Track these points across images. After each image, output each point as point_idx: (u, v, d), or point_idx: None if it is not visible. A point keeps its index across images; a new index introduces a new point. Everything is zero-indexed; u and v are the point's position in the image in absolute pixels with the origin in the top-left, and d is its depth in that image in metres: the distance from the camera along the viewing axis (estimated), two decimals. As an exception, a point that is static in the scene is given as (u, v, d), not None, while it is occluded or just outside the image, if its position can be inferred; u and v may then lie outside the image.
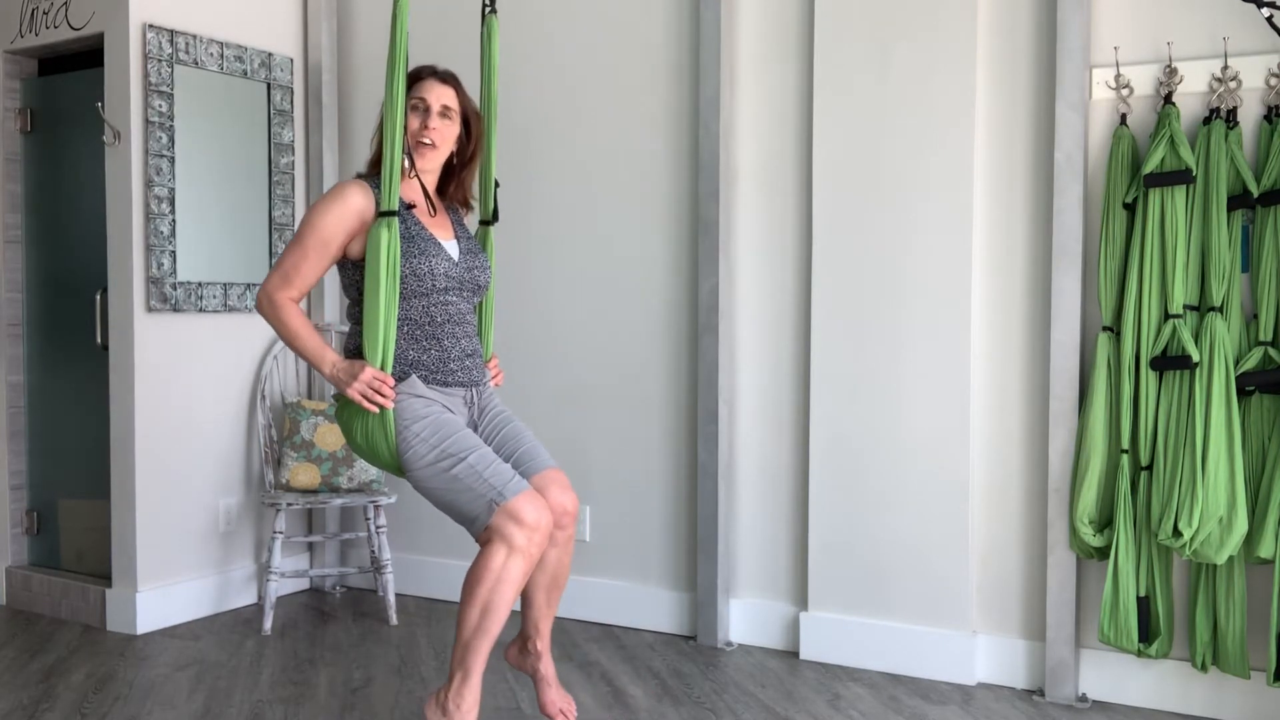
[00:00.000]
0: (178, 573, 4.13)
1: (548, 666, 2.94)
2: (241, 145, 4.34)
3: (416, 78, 2.83)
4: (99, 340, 4.15)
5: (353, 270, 2.78)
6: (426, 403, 2.73)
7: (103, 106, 3.99)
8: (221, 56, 4.23)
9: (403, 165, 2.70)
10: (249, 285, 4.33)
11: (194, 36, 4.11)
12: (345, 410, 2.77)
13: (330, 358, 2.73)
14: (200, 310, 4.16)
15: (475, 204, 3.02)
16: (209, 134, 4.21)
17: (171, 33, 4.03)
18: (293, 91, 4.51)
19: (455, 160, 2.92)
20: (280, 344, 4.40)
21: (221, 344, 4.26)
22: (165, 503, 4.07)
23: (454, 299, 2.81)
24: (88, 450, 4.23)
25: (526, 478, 2.74)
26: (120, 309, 3.99)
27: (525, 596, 2.88)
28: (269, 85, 4.42)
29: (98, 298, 4.15)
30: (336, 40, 4.63)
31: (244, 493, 4.37)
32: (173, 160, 4.05)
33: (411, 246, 2.73)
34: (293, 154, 4.51)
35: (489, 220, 3.04)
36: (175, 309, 4.07)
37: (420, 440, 2.68)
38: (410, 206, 2.77)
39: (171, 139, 4.04)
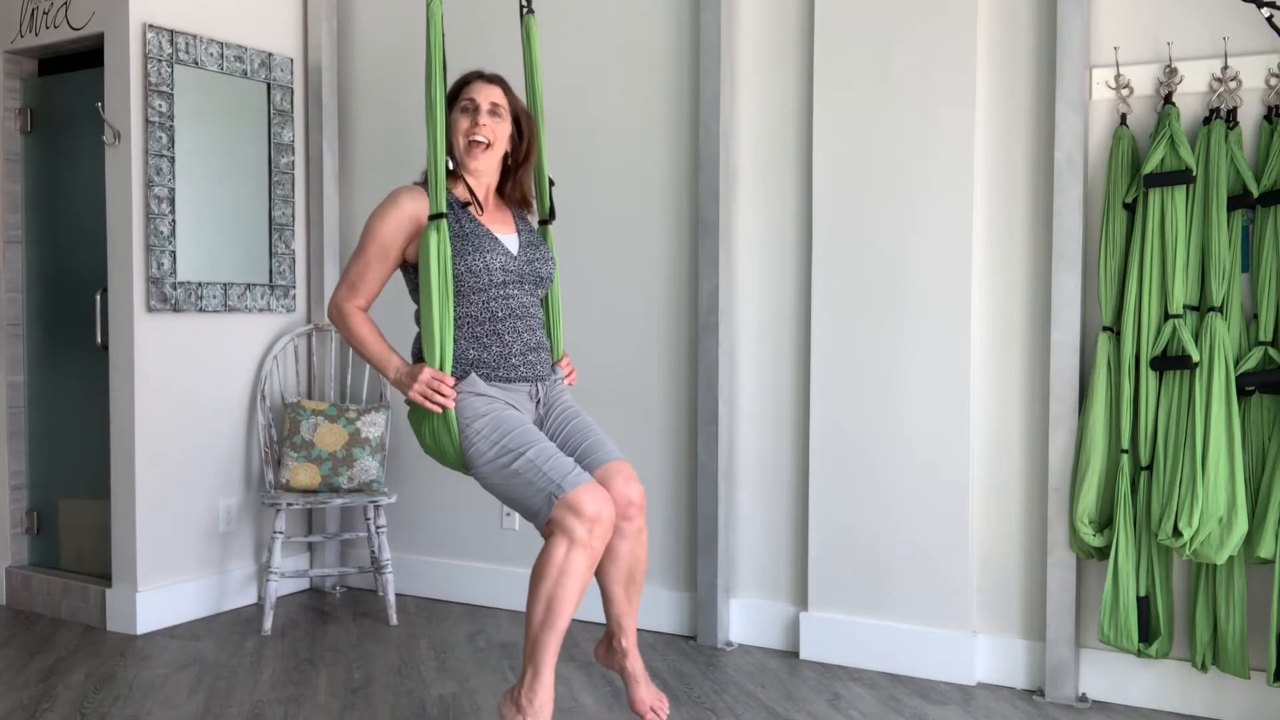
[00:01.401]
0: (178, 573, 4.13)
1: (635, 664, 2.91)
2: (241, 145, 4.34)
3: (464, 82, 2.88)
4: (99, 340, 4.15)
5: (413, 274, 2.83)
6: (488, 400, 2.74)
7: (103, 106, 3.99)
8: (221, 56, 4.23)
9: (447, 166, 2.74)
10: (249, 285, 4.33)
11: (194, 36, 4.11)
12: (414, 414, 2.80)
13: (395, 363, 2.78)
14: (200, 310, 4.16)
15: (534, 202, 3.04)
16: (209, 134, 4.21)
17: (171, 33, 4.03)
18: (293, 91, 4.51)
19: (510, 160, 2.94)
20: (280, 344, 4.41)
21: (221, 344, 4.26)
22: (165, 503, 4.07)
23: (515, 292, 2.83)
24: (88, 450, 4.23)
25: (591, 470, 2.74)
26: (120, 309, 3.99)
27: (605, 594, 2.87)
28: (269, 85, 4.42)
29: (98, 297, 4.15)
30: (336, 40, 4.63)
31: (244, 493, 4.37)
32: (173, 160, 4.05)
33: (465, 244, 2.75)
34: (293, 154, 4.51)
35: (546, 219, 3.05)
36: (175, 309, 4.07)
37: (481, 438, 2.70)
38: (465, 205, 2.80)
39: (171, 139, 4.04)
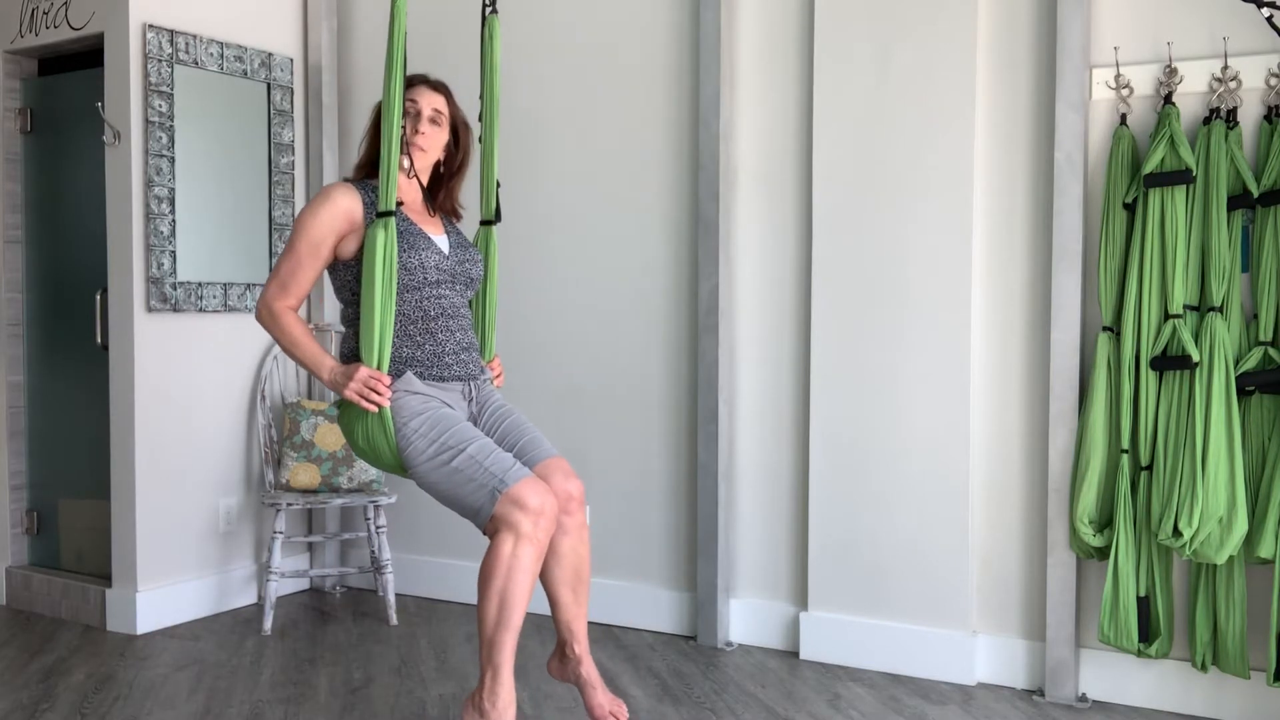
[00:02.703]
0: (178, 573, 4.13)
1: (590, 670, 2.87)
2: (241, 145, 4.34)
3: (409, 84, 2.86)
4: (99, 340, 4.15)
5: (344, 272, 2.80)
6: (424, 399, 2.73)
7: (103, 106, 3.99)
8: (221, 56, 4.23)
9: (401, 164, 2.73)
10: (249, 285, 4.33)
11: (194, 36, 4.11)
12: (346, 414, 2.78)
13: (328, 363, 2.74)
14: (200, 310, 4.16)
15: (464, 212, 3.04)
16: (209, 134, 4.21)
17: (171, 33, 4.03)
18: (293, 91, 4.51)
19: (444, 170, 2.95)
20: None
21: (221, 344, 4.26)
22: (165, 503, 4.07)
23: (446, 292, 2.82)
24: (88, 450, 4.23)
25: (529, 467, 2.74)
26: (120, 309, 3.99)
27: (552, 598, 2.85)
28: (269, 85, 4.42)
29: (98, 298, 4.15)
30: (336, 40, 4.63)
31: (244, 493, 4.37)
32: (173, 160, 4.05)
33: (402, 241, 2.74)
34: (293, 154, 4.52)
35: (491, 220, 3.04)
36: (175, 309, 4.07)
37: (419, 436, 2.68)
38: (400, 204, 2.78)
39: (171, 139, 4.04)
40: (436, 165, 2.93)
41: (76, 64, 4.28)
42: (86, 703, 3.27)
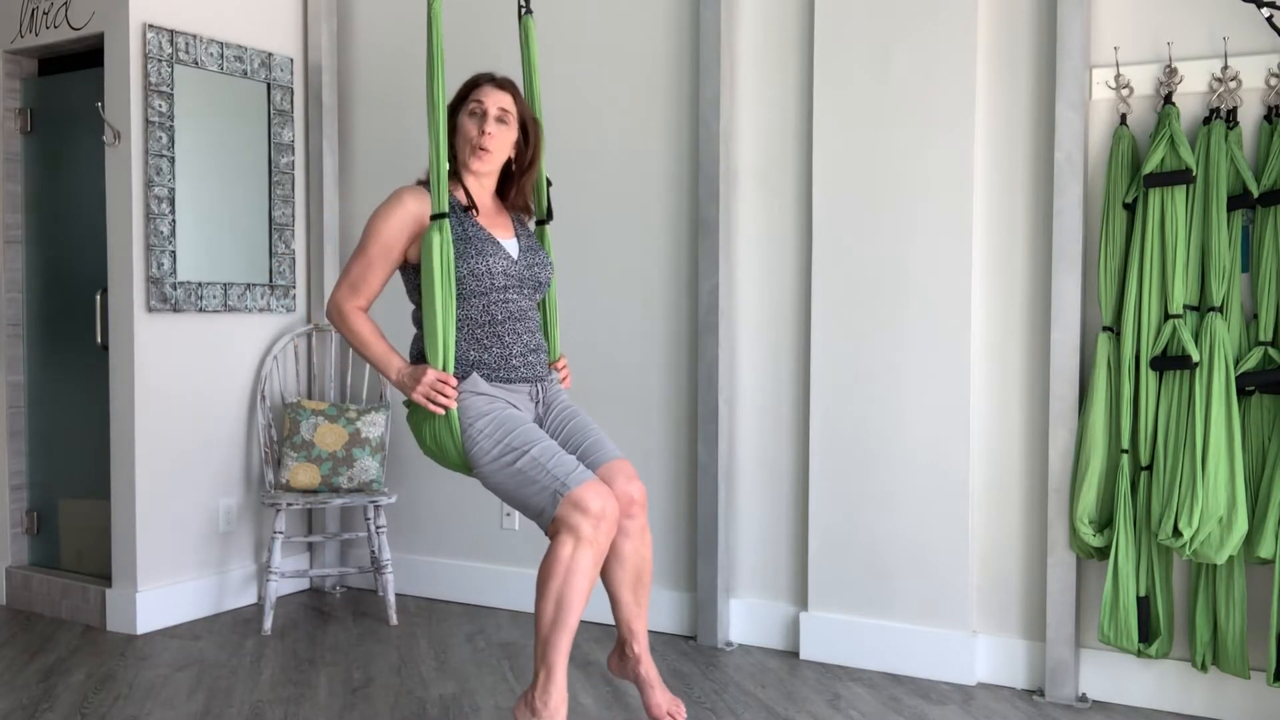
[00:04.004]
0: (178, 573, 4.13)
1: (649, 669, 2.89)
2: (241, 145, 4.34)
3: (474, 84, 2.87)
4: (99, 340, 4.15)
5: (413, 275, 2.82)
6: (489, 400, 2.74)
7: (103, 106, 3.99)
8: (221, 56, 4.23)
9: (453, 191, 2.74)
10: (249, 285, 4.33)
11: (194, 36, 4.11)
12: (415, 415, 2.79)
13: (396, 364, 2.77)
14: (200, 310, 4.16)
15: (537, 209, 3.03)
16: (209, 134, 4.21)
17: (171, 33, 4.03)
18: (293, 91, 4.51)
19: (514, 166, 2.94)
20: (280, 344, 4.41)
21: (221, 344, 4.26)
22: (165, 503, 4.07)
23: (514, 296, 2.82)
24: (88, 450, 4.23)
25: (593, 469, 2.74)
26: (120, 309, 3.99)
27: (613, 598, 2.86)
28: (269, 85, 4.42)
29: (98, 298, 4.15)
30: (336, 40, 4.63)
31: (244, 493, 4.37)
32: (173, 160, 4.05)
33: (469, 247, 2.74)
34: (293, 154, 4.51)
35: (544, 220, 3.04)
36: (175, 309, 4.07)
37: (484, 436, 2.69)
38: (467, 209, 2.80)
39: (171, 139, 4.04)
40: (507, 163, 2.92)
41: (76, 64, 4.28)
42: (86, 703, 3.27)
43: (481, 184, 2.88)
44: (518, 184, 2.95)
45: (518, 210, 2.98)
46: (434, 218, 2.67)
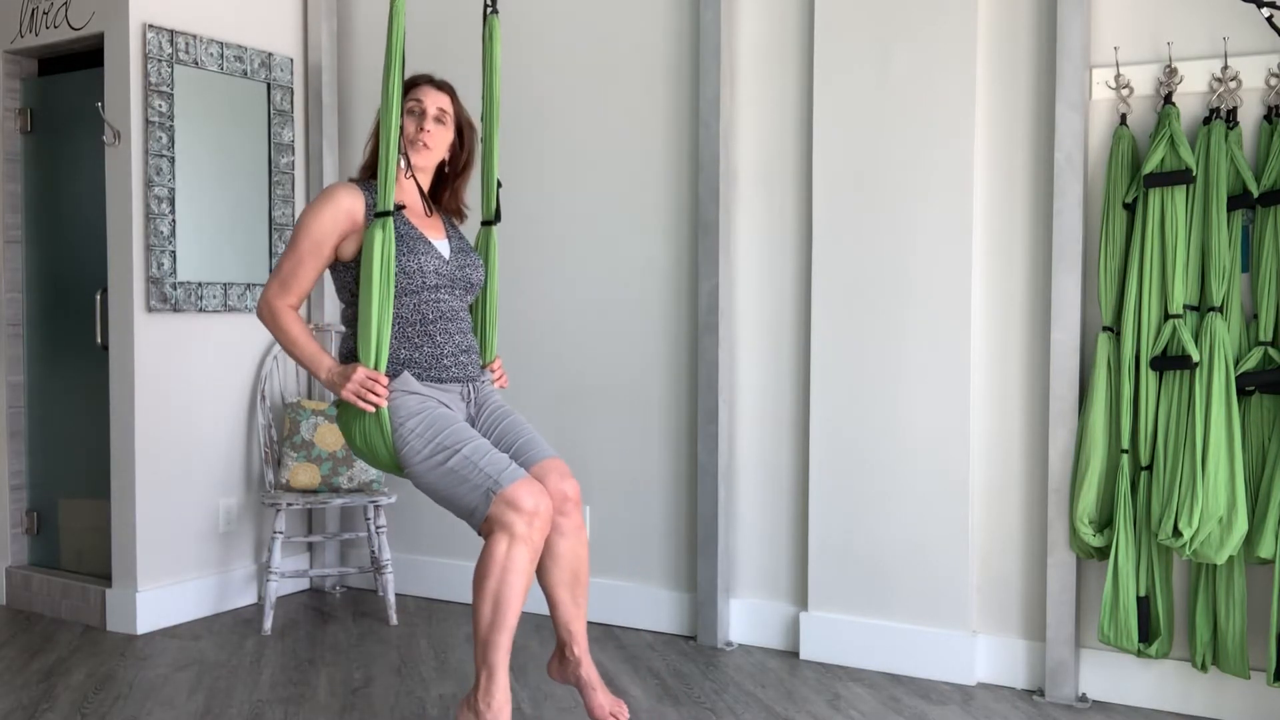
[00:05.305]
0: (178, 573, 4.13)
1: (590, 671, 2.87)
2: (241, 145, 4.34)
3: (413, 84, 2.87)
4: (99, 340, 4.15)
5: (344, 272, 2.81)
6: (421, 399, 2.73)
7: (103, 106, 3.99)
8: (221, 56, 4.23)
9: (399, 166, 2.72)
10: (249, 285, 4.33)
11: (194, 36, 4.11)
12: (344, 414, 2.78)
13: (326, 363, 2.75)
14: (200, 310, 4.16)
15: (468, 212, 3.04)
16: (209, 134, 4.21)
17: (171, 33, 4.03)
18: (293, 91, 4.51)
19: (448, 169, 2.95)
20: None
21: (221, 344, 4.26)
22: (165, 503, 4.07)
23: (445, 296, 2.82)
24: (88, 450, 4.23)
25: (526, 468, 2.74)
26: (120, 309, 3.99)
27: (550, 599, 2.85)
28: (269, 85, 4.42)
29: (98, 298, 4.15)
30: (336, 40, 4.63)
31: (244, 493, 4.37)
32: (173, 160, 4.05)
33: (401, 245, 2.74)
34: (293, 154, 4.52)
35: (491, 220, 3.04)
36: (175, 309, 4.07)
37: (415, 436, 2.68)
38: (401, 207, 2.78)
39: (171, 139, 4.04)
40: (441, 165, 2.93)
41: (76, 64, 4.28)
42: (86, 703, 3.27)
43: (412, 186, 2.87)
44: (450, 187, 2.96)
45: (450, 213, 2.99)
46: (378, 215, 2.67)
